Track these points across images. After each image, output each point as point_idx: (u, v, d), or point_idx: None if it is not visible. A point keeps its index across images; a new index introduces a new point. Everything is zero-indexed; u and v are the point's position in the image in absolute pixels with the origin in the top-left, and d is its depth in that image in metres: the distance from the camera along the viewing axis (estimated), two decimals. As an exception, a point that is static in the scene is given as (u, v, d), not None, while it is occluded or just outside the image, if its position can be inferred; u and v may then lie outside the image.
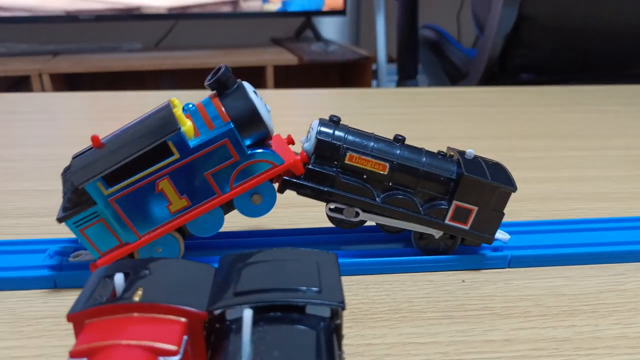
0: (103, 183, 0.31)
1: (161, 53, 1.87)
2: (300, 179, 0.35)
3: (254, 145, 0.33)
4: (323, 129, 0.35)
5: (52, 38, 1.90)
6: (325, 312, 0.22)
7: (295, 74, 1.83)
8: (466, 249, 0.38)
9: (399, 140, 0.36)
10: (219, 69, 0.33)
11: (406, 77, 1.45)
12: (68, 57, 1.76)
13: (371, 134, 0.36)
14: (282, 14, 1.91)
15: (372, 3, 1.84)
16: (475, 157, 0.37)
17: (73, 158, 0.34)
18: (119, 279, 0.22)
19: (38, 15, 1.76)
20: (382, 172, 0.35)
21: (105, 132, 0.34)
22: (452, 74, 1.39)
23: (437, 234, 0.36)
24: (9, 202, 0.48)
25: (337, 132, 0.35)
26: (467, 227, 0.36)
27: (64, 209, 0.33)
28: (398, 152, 0.35)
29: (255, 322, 0.21)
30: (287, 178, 0.34)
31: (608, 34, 1.07)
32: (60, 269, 0.36)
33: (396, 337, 0.30)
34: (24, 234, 0.42)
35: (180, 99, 0.33)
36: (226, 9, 1.87)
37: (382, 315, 0.32)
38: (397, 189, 0.35)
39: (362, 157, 0.35)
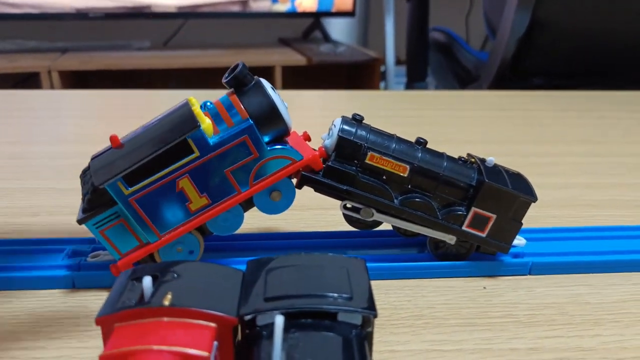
0: (123, 183, 0.31)
1: (170, 52, 1.87)
2: (319, 175, 0.34)
3: (272, 142, 0.33)
4: (345, 127, 0.34)
5: (61, 35, 1.90)
6: (357, 320, 0.22)
7: (303, 75, 1.83)
8: (485, 255, 0.38)
9: (421, 143, 0.36)
10: (236, 66, 0.32)
11: (415, 80, 1.44)
12: (77, 55, 1.76)
13: (393, 135, 0.36)
14: (291, 14, 1.91)
15: (381, 4, 1.84)
16: (496, 165, 0.37)
17: (92, 159, 0.33)
18: (147, 282, 0.22)
19: (48, 12, 1.76)
20: (402, 174, 0.35)
21: (117, 130, 0.34)
22: (462, 77, 1.39)
23: (452, 240, 0.36)
24: (24, 200, 0.47)
25: (359, 131, 0.34)
26: (484, 235, 0.36)
27: (84, 210, 0.33)
28: (419, 155, 0.35)
29: (286, 328, 0.20)
30: (306, 174, 0.34)
31: (622, 39, 1.07)
32: (79, 269, 0.35)
33: (420, 344, 0.30)
34: (40, 233, 0.41)
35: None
36: (235, 8, 1.87)
37: (405, 321, 0.32)
38: (415, 192, 0.35)
39: (384, 157, 0.34)
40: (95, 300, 0.33)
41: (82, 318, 0.32)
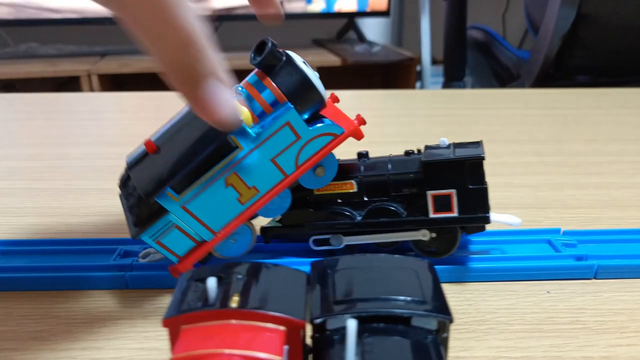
0: (172, 192, 0.30)
1: (205, 54, 1.89)
2: (280, 227, 0.36)
3: (312, 119, 0.32)
4: None
5: (100, 40, 1.94)
6: (432, 325, 0.20)
7: (337, 76, 1.82)
8: (548, 257, 0.36)
9: (362, 155, 0.36)
10: (264, 44, 0.30)
11: (453, 79, 1.42)
12: (115, 58, 1.79)
13: None
14: (326, 15, 1.91)
15: (416, 4, 1.82)
16: (450, 144, 0.35)
17: (128, 165, 0.33)
18: (211, 283, 0.21)
19: (87, 17, 1.80)
20: (351, 191, 0.35)
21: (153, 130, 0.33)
22: (502, 76, 1.36)
23: (425, 236, 0.35)
24: (75, 201, 0.48)
25: None
26: (456, 214, 0.34)
27: (135, 223, 0.32)
28: (362, 167, 0.35)
29: (359, 332, 0.19)
30: (265, 227, 0.36)
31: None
32: (131, 269, 0.35)
33: (485, 350, 0.28)
34: (91, 233, 0.42)
35: None
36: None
37: (467, 326, 0.30)
38: (373, 202, 0.35)
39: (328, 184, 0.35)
40: (149, 300, 0.33)
41: (138, 319, 0.31)
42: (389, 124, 0.73)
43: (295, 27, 2.08)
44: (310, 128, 0.31)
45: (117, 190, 0.34)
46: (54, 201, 0.48)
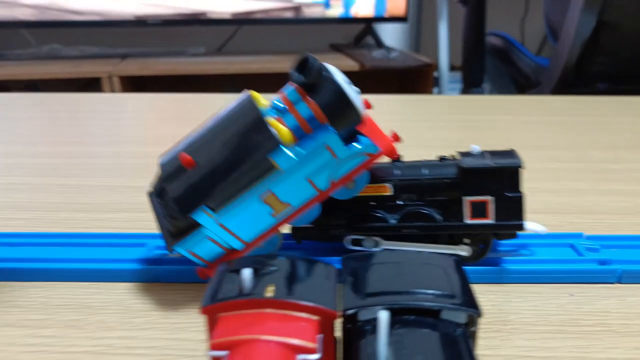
0: (208, 210, 0.31)
1: (223, 58, 1.91)
2: (312, 228, 0.35)
3: (349, 136, 0.32)
4: None
5: (121, 42, 1.97)
6: (461, 319, 0.21)
7: (355, 81, 1.82)
8: (571, 261, 0.36)
9: (397, 159, 0.36)
10: (306, 60, 0.30)
11: (471, 85, 1.42)
12: (136, 60, 1.82)
13: None
14: (344, 20, 1.92)
15: (433, 10, 1.82)
16: (483, 152, 0.35)
17: (164, 178, 0.32)
18: (247, 274, 0.22)
19: (109, 19, 1.82)
20: (387, 194, 0.35)
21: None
22: (520, 83, 1.36)
23: (462, 250, 0.35)
24: (103, 197, 0.49)
25: None
26: (492, 221, 0.34)
27: (171, 234, 0.33)
28: (397, 171, 0.35)
29: (391, 324, 0.20)
30: (297, 227, 0.36)
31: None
32: (161, 263, 0.36)
33: (510, 349, 0.29)
34: (120, 228, 0.43)
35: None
36: (289, 14, 1.89)
37: (492, 325, 0.31)
38: (408, 206, 0.35)
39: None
40: (179, 293, 0.34)
41: (169, 311, 0.32)
42: (410, 129, 0.74)
43: (313, 31, 2.10)
44: (348, 149, 0.31)
45: (145, 188, 0.35)
46: (84, 197, 0.49)
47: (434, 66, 1.76)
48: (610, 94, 0.94)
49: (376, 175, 0.35)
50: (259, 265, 0.24)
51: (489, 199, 0.34)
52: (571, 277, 0.35)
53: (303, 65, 0.30)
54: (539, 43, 2.05)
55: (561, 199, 0.49)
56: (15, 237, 0.39)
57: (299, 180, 0.32)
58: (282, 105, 0.31)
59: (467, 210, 0.34)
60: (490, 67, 1.46)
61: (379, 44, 2.02)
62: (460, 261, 0.25)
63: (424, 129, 0.74)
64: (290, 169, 0.31)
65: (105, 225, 0.43)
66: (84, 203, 0.48)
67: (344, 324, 0.22)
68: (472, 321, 0.21)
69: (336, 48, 2.07)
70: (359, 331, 0.21)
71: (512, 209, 0.34)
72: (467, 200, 0.34)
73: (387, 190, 0.35)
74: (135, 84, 1.81)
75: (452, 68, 1.82)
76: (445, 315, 0.21)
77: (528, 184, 0.52)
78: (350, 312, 0.21)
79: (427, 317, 0.21)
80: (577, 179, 0.54)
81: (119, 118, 0.83)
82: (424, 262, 0.24)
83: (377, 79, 1.92)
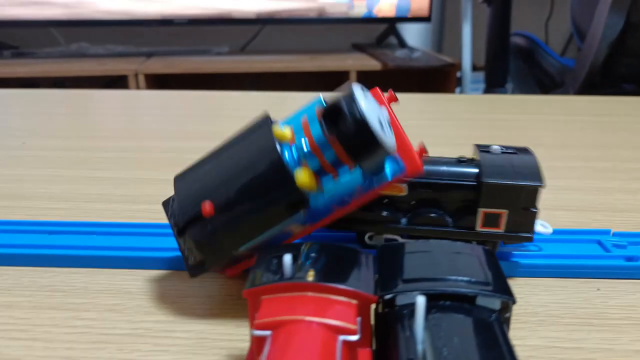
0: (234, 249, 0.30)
1: (247, 57, 1.93)
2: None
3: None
4: None
5: (147, 40, 2.00)
6: (496, 305, 0.22)
7: (377, 80, 1.83)
8: (598, 256, 0.37)
9: None
10: (339, 109, 0.26)
11: (495, 85, 1.41)
12: (161, 59, 1.85)
13: None
14: (366, 20, 1.92)
15: (456, 10, 1.82)
16: (503, 152, 0.35)
17: (183, 223, 0.30)
18: (288, 259, 0.23)
19: (135, 19, 1.86)
20: (401, 194, 0.34)
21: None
22: (544, 83, 1.35)
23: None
24: (138, 189, 0.50)
25: None
26: (502, 231, 0.34)
27: (192, 267, 0.32)
28: None
29: (427, 309, 0.21)
30: None
31: None
32: (195, 253, 0.37)
33: (537, 340, 0.29)
34: (154, 220, 0.44)
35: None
36: (312, 14, 1.90)
37: (519, 317, 0.31)
38: (422, 207, 0.35)
39: None
40: (213, 282, 0.35)
41: (203, 297, 0.33)
42: (433, 127, 0.74)
43: (335, 31, 2.11)
44: (375, 181, 0.30)
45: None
46: (117, 189, 0.50)
47: (457, 66, 1.75)
48: (636, 95, 0.93)
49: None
50: (298, 251, 0.25)
51: (504, 212, 0.34)
52: (598, 272, 0.36)
53: (332, 114, 0.26)
54: (563, 44, 2.03)
55: (587, 197, 0.49)
56: (56, 225, 0.41)
57: (323, 209, 0.31)
58: (306, 149, 0.28)
59: (480, 219, 0.34)
60: (514, 67, 1.45)
61: (402, 43, 2.02)
62: (492, 251, 0.25)
63: (448, 127, 0.74)
64: (314, 206, 0.30)
65: (140, 216, 0.45)
66: (118, 195, 0.49)
67: (381, 308, 0.23)
68: (506, 307, 0.22)
69: (358, 48, 2.08)
70: (396, 315, 0.22)
71: (524, 223, 0.34)
72: (482, 211, 0.34)
73: (402, 190, 0.35)
74: (160, 82, 1.84)
75: (475, 68, 1.82)
76: (480, 301, 0.22)
77: (554, 182, 0.53)
78: (388, 296, 0.22)
79: (462, 303, 0.22)
80: (603, 178, 0.54)
81: (146, 114, 0.85)
82: (457, 251, 0.25)
83: (400, 79, 1.93)
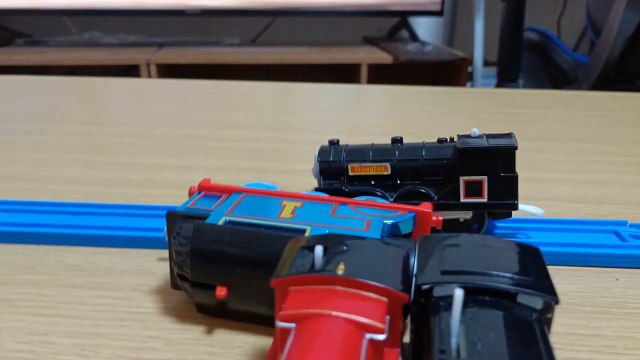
0: None
1: (258, 48, 1.93)
2: None
3: None
4: (321, 152, 0.38)
5: (159, 31, 2.01)
6: (537, 304, 0.21)
7: (388, 74, 1.83)
8: (616, 246, 0.37)
9: (397, 140, 0.37)
10: None
11: (507, 80, 1.41)
12: (173, 49, 1.85)
13: (370, 144, 0.38)
14: (378, 12, 1.92)
15: (468, 4, 1.81)
16: (482, 135, 0.36)
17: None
18: (319, 251, 0.22)
19: (148, 9, 1.86)
20: (385, 173, 0.36)
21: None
22: (557, 79, 1.34)
23: (467, 215, 0.36)
24: (156, 174, 0.51)
25: (334, 152, 0.38)
26: (485, 200, 0.35)
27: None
28: (396, 151, 0.37)
29: (465, 302, 0.20)
30: None
31: None
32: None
33: (558, 327, 0.30)
34: (174, 203, 0.44)
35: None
36: (324, 7, 1.90)
37: (538, 304, 0.32)
38: (406, 185, 0.36)
39: (362, 165, 0.37)
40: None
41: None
42: (445, 120, 0.74)
43: (346, 23, 2.11)
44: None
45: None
46: (136, 175, 0.51)
47: (469, 61, 1.75)
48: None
49: (376, 155, 0.37)
50: (329, 243, 0.24)
51: (483, 178, 0.35)
52: (615, 261, 0.36)
53: None
54: (576, 39, 2.02)
55: (603, 190, 0.49)
56: (79, 206, 0.41)
57: None
58: None
59: (462, 189, 0.35)
60: (526, 62, 1.45)
61: (414, 37, 2.02)
62: (538, 249, 0.24)
63: (460, 120, 0.74)
64: None
65: (160, 201, 0.45)
66: (137, 179, 0.50)
67: (417, 299, 0.22)
68: (548, 308, 0.21)
69: (370, 41, 2.07)
70: (433, 307, 0.21)
71: (505, 189, 0.35)
72: (463, 179, 0.35)
73: (387, 169, 0.37)
74: (171, 71, 1.84)
75: (486, 63, 1.81)
76: (522, 299, 0.21)
77: (571, 175, 0.53)
78: (425, 287, 0.21)
79: (502, 299, 0.21)
80: (620, 172, 0.54)
81: (159, 102, 0.85)
82: (502, 247, 0.24)
83: (411, 73, 1.92)
